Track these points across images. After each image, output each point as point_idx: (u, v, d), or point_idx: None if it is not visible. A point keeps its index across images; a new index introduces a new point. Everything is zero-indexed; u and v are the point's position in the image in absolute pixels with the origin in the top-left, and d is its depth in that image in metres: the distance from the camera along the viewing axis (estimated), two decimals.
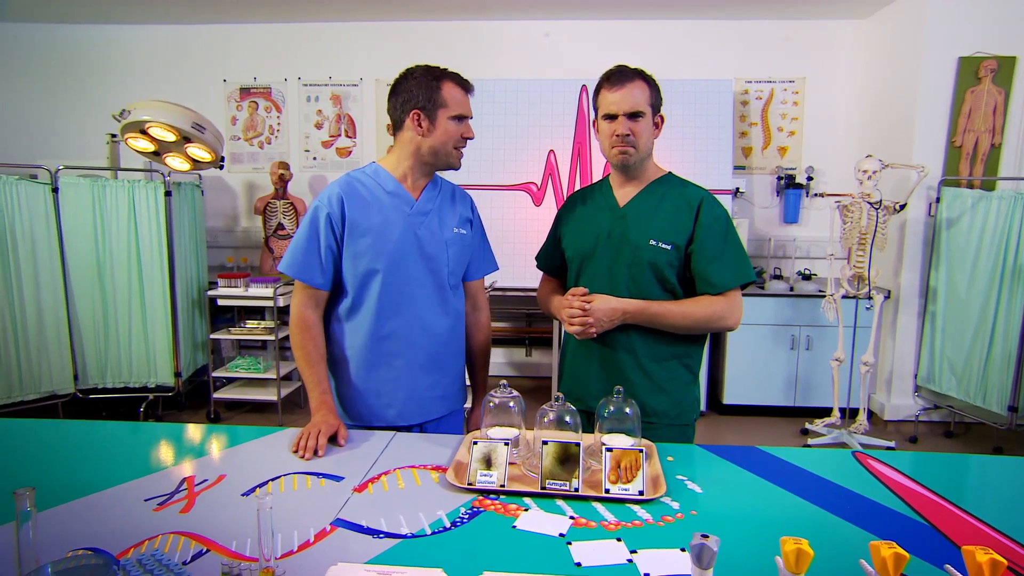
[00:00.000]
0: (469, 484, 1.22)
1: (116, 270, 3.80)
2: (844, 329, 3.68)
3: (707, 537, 0.84)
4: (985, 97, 3.74)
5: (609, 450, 1.23)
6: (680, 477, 1.29)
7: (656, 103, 1.58)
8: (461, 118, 1.57)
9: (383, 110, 4.85)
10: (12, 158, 4.51)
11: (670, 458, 1.39)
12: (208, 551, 1.00)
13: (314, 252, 1.55)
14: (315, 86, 4.75)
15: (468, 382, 1.84)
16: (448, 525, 1.10)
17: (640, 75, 1.56)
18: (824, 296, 3.68)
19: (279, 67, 4.74)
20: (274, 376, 3.98)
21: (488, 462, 1.25)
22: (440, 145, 1.56)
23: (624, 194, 1.64)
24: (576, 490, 1.19)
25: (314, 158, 4.82)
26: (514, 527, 1.09)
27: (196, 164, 3.92)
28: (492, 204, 4.23)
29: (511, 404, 1.39)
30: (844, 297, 3.62)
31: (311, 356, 1.57)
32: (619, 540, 1.05)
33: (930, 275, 3.81)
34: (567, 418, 1.34)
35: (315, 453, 1.38)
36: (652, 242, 1.56)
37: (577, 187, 4.03)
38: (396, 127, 1.60)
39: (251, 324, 4.06)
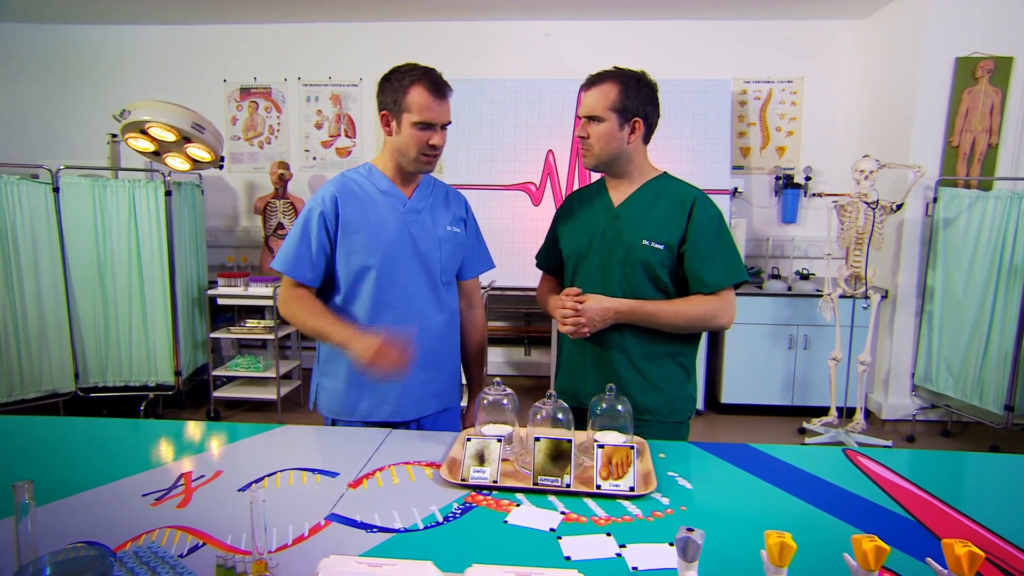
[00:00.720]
0: (462, 480, 1.24)
1: (117, 269, 3.82)
2: (841, 329, 3.69)
3: (692, 531, 0.86)
4: (982, 97, 3.76)
5: (601, 447, 1.25)
6: (671, 473, 1.31)
7: (629, 107, 1.54)
8: (425, 125, 1.54)
9: None
10: (13, 158, 4.53)
11: (662, 455, 1.40)
12: (204, 545, 1.02)
13: (305, 250, 1.57)
14: (315, 86, 4.77)
15: (464, 380, 1.86)
16: (441, 520, 1.11)
17: (615, 77, 1.54)
18: (822, 296, 3.69)
19: (279, 67, 4.76)
20: (274, 375, 4.00)
21: (481, 458, 1.27)
22: (404, 149, 1.57)
23: (618, 194, 1.65)
24: (568, 486, 1.21)
25: (314, 158, 4.84)
26: (506, 522, 1.11)
27: (196, 164, 3.94)
28: (491, 204, 4.24)
29: (504, 401, 1.41)
30: (841, 297, 3.63)
31: (314, 310, 1.57)
32: (609, 535, 1.06)
33: (927, 275, 3.82)
34: (559, 415, 1.36)
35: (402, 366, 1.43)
36: (645, 242, 1.57)
37: (576, 187, 4.05)
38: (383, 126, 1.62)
39: (251, 323, 4.08)
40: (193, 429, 1.61)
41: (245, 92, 4.80)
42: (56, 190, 3.68)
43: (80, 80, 4.79)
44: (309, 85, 4.77)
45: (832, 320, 3.67)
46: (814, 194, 4.45)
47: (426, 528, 1.08)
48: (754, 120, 4.56)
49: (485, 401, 1.41)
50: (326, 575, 0.83)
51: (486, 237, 1.86)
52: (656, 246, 1.56)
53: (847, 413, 3.80)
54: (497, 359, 4.85)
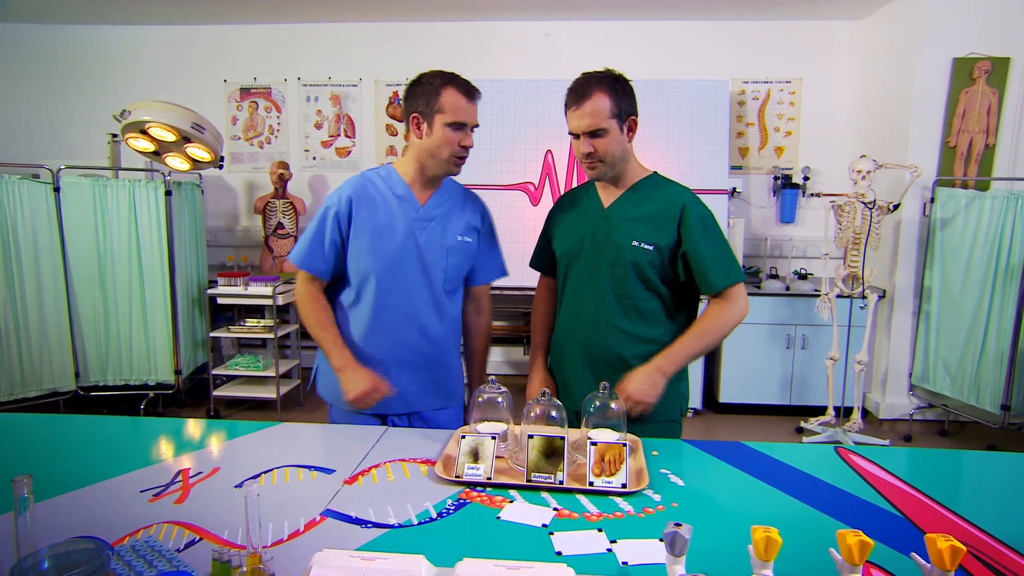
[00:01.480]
0: (457, 477, 1.25)
1: (117, 269, 3.83)
2: (839, 328, 3.70)
3: (680, 526, 0.88)
4: (979, 98, 3.77)
5: (594, 444, 1.27)
6: (664, 471, 1.32)
7: (623, 109, 1.54)
8: (459, 126, 1.58)
9: (382, 110, 4.90)
10: (14, 158, 4.55)
11: (655, 452, 1.42)
12: (200, 539, 1.03)
13: (318, 245, 1.63)
14: (315, 86, 4.79)
15: (466, 379, 1.87)
16: (435, 516, 1.13)
17: (601, 83, 1.52)
18: (819, 296, 3.70)
19: (279, 67, 4.77)
20: (273, 374, 4.01)
21: (476, 455, 1.28)
22: (435, 150, 1.59)
23: (608, 195, 1.66)
24: (561, 483, 1.22)
25: (313, 158, 4.85)
26: (498, 518, 1.12)
27: (196, 164, 3.96)
28: (490, 203, 4.18)
29: (499, 399, 1.42)
30: (839, 296, 3.64)
31: (322, 321, 1.64)
32: (600, 530, 1.08)
33: (924, 275, 3.84)
34: (553, 413, 1.37)
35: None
36: (635, 243, 1.58)
37: (574, 187, 4.06)
38: (406, 130, 1.64)
39: (251, 322, 4.10)
40: (191, 427, 1.62)
41: (245, 92, 4.82)
42: (57, 190, 3.70)
43: (81, 80, 4.81)
44: (309, 85, 4.79)
45: (830, 320, 3.69)
46: (812, 194, 4.46)
47: (420, 524, 1.10)
48: (752, 120, 4.58)
49: (480, 399, 1.43)
50: (319, 569, 0.84)
51: (498, 243, 1.87)
52: (646, 247, 1.57)
53: (845, 413, 3.81)
54: (496, 358, 4.86)
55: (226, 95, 4.83)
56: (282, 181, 4.41)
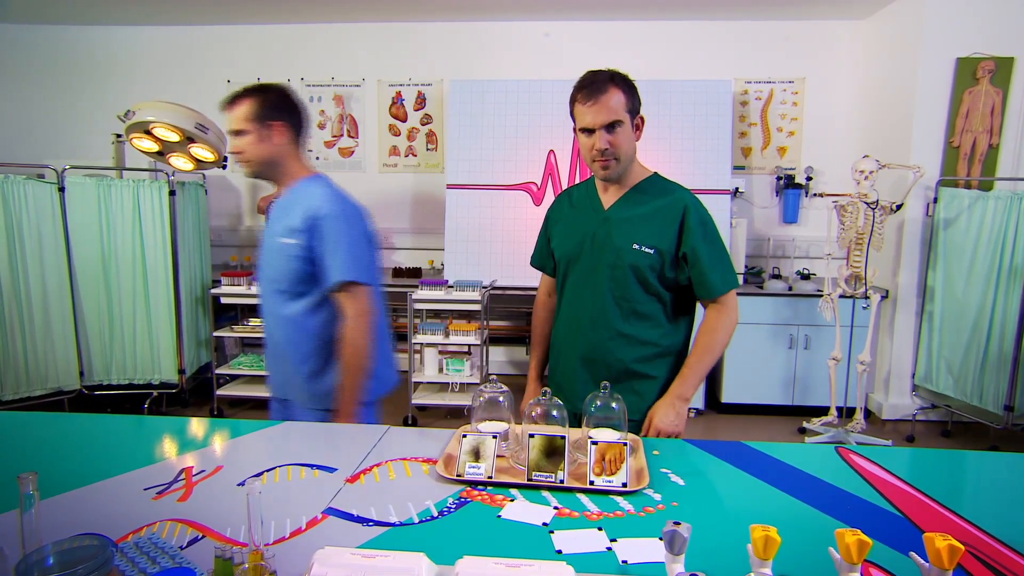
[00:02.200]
0: (458, 476, 1.26)
1: (121, 268, 3.85)
2: (841, 328, 3.70)
3: (679, 524, 0.88)
4: (983, 98, 3.76)
5: (595, 443, 1.27)
6: (664, 470, 1.32)
7: (634, 106, 1.53)
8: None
9: (385, 110, 4.91)
10: (19, 158, 4.58)
11: (656, 452, 1.42)
12: (203, 537, 1.04)
13: None
14: (318, 87, 4.80)
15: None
16: (435, 514, 1.13)
17: (614, 80, 1.51)
18: (822, 296, 3.70)
19: (282, 68, 4.79)
20: None
21: (477, 454, 1.29)
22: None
23: (608, 197, 1.65)
24: (561, 482, 1.23)
25: (317, 158, 4.87)
26: (499, 516, 1.13)
27: (200, 164, 3.98)
28: (492, 204, 4.26)
29: (500, 399, 1.43)
30: (841, 297, 3.64)
31: None
32: (600, 529, 1.08)
33: (927, 275, 3.83)
34: (554, 412, 1.38)
35: None
36: (635, 246, 1.57)
37: (573, 185, 4.06)
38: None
39: (254, 322, 4.11)
40: (195, 425, 1.63)
41: None
42: (61, 190, 3.71)
43: (85, 81, 4.83)
44: (312, 85, 4.80)
45: (832, 320, 3.68)
46: (815, 194, 4.45)
47: (421, 522, 1.10)
48: (755, 120, 4.57)
49: (481, 399, 1.43)
50: (321, 566, 0.85)
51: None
52: (646, 250, 1.56)
53: (847, 413, 3.80)
54: (498, 358, 4.87)
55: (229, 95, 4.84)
56: None
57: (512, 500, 1.19)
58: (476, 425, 1.43)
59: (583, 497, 1.20)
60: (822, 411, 3.88)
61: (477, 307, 3.79)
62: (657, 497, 1.20)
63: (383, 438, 1.50)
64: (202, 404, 4.29)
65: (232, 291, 3.99)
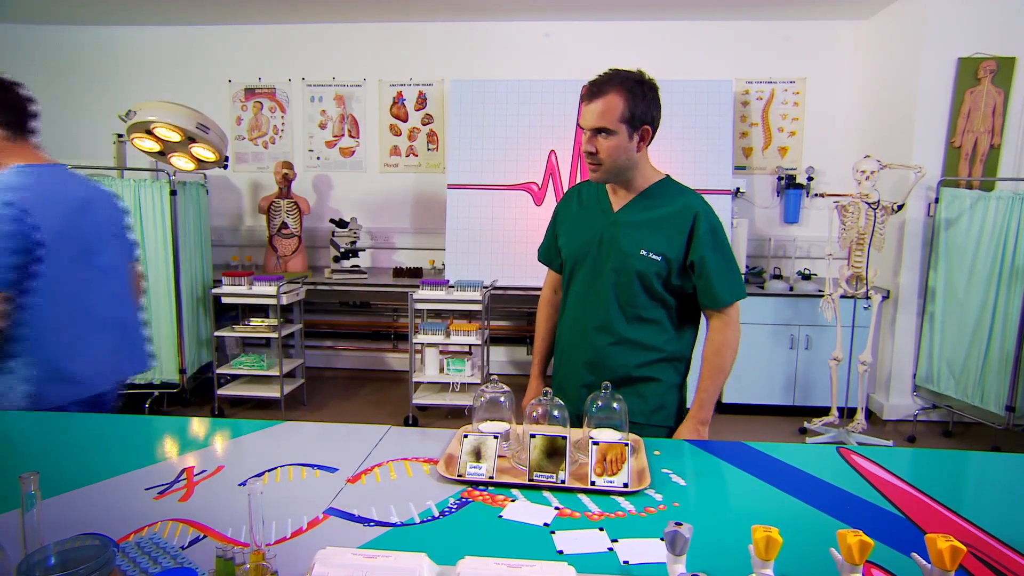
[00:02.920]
0: (459, 476, 1.26)
1: None
2: (843, 329, 3.69)
3: (680, 525, 0.88)
4: (984, 98, 3.75)
5: (596, 443, 1.27)
6: (665, 471, 1.32)
7: (636, 115, 1.48)
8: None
9: (386, 110, 4.91)
10: None
11: (657, 452, 1.42)
12: (205, 537, 1.04)
13: None
14: (319, 86, 4.80)
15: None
16: (437, 514, 1.13)
17: (621, 85, 1.47)
18: (823, 296, 3.70)
19: (283, 68, 4.79)
20: (277, 373, 4.03)
21: (478, 455, 1.29)
22: None
23: (618, 199, 1.62)
24: (563, 482, 1.23)
25: (318, 158, 4.87)
26: (500, 516, 1.13)
27: (201, 164, 3.98)
28: (493, 204, 4.26)
29: (502, 399, 1.43)
30: (843, 297, 3.64)
31: None
32: (601, 530, 1.08)
33: (928, 275, 3.83)
34: (555, 412, 1.38)
35: None
36: (643, 252, 1.54)
37: (583, 181, 4.06)
38: None
39: (255, 322, 4.11)
40: (196, 425, 1.63)
41: (250, 92, 4.84)
42: None
43: (86, 81, 4.83)
44: (313, 85, 4.80)
45: (833, 320, 3.68)
46: (816, 194, 4.45)
47: (422, 522, 1.10)
48: (756, 120, 4.57)
49: (482, 399, 1.43)
50: (322, 566, 0.85)
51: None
52: (654, 257, 1.54)
53: (848, 413, 3.80)
54: (499, 358, 4.87)
55: (231, 95, 4.85)
56: (286, 181, 4.43)
57: (513, 500, 1.19)
58: (477, 425, 1.43)
59: (584, 497, 1.20)
60: (823, 411, 3.87)
61: (478, 307, 3.79)
62: (658, 497, 1.20)
63: (384, 438, 1.50)
64: (203, 404, 4.29)
65: (233, 291, 3.99)
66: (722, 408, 4.22)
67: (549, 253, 1.80)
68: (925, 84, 3.80)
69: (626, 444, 1.27)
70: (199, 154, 3.87)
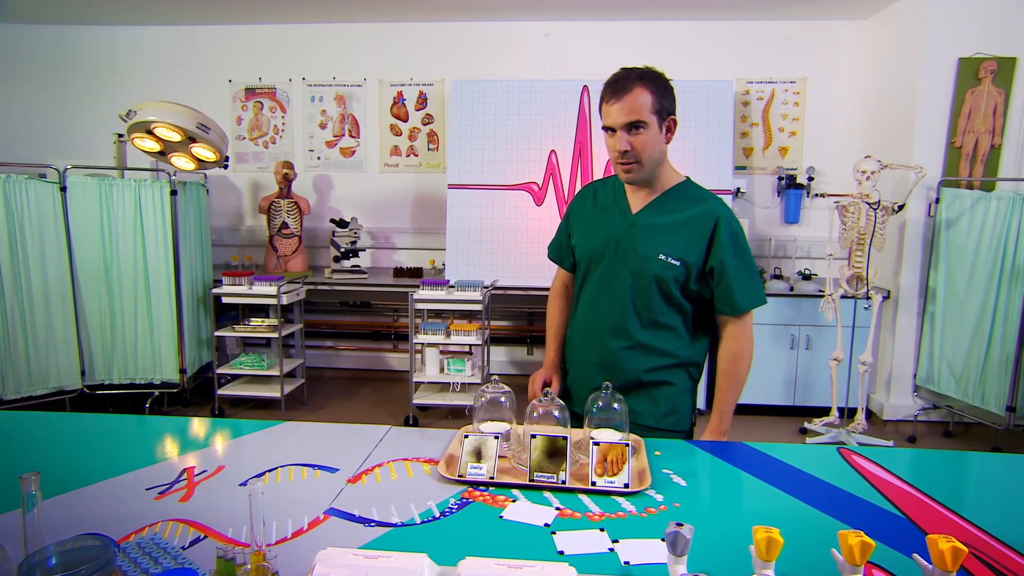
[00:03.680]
0: (460, 476, 1.26)
1: (123, 268, 3.86)
2: (843, 329, 3.69)
3: (681, 526, 0.88)
4: (985, 98, 3.75)
5: (596, 444, 1.27)
6: (666, 471, 1.32)
7: (664, 107, 1.46)
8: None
9: (387, 110, 4.91)
10: (21, 157, 4.58)
11: (657, 452, 1.42)
12: (205, 537, 1.04)
13: None
14: (319, 86, 4.80)
15: None
16: (437, 515, 1.13)
17: (643, 79, 1.45)
18: (823, 296, 3.69)
19: (284, 68, 4.79)
20: (277, 373, 4.03)
21: (479, 455, 1.29)
22: None
23: (637, 200, 1.58)
24: (563, 482, 1.23)
25: (318, 158, 4.87)
26: (501, 517, 1.13)
27: (201, 163, 3.98)
28: (493, 204, 4.26)
29: (502, 399, 1.43)
30: (843, 297, 3.64)
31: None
32: (602, 530, 1.08)
33: (929, 275, 3.82)
34: (556, 413, 1.38)
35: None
36: (662, 256, 1.51)
37: (579, 187, 4.05)
38: None
39: (255, 322, 4.11)
40: (196, 425, 1.63)
41: (250, 92, 4.83)
42: (63, 189, 3.72)
43: (87, 81, 4.83)
44: (313, 85, 4.80)
45: (834, 320, 3.68)
46: (817, 194, 4.45)
47: (423, 523, 1.10)
48: (757, 120, 4.57)
49: (483, 399, 1.43)
50: (323, 567, 0.85)
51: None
52: (673, 262, 1.51)
53: (848, 413, 3.80)
54: (499, 358, 4.87)
55: (231, 95, 4.85)
56: (287, 181, 4.43)
57: (514, 501, 1.19)
58: (478, 425, 1.43)
59: (585, 498, 1.20)
60: (823, 412, 3.87)
61: (478, 307, 3.79)
62: (659, 498, 1.20)
63: (384, 438, 1.50)
64: (203, 404, 4.29)
65: (233, 291, 3.99)
66: None
67: (561, 251, 1.76)
68: (926, 84, 3.79)
69: (627, 444, 1.27)
70: (199, 154, 3.87)
